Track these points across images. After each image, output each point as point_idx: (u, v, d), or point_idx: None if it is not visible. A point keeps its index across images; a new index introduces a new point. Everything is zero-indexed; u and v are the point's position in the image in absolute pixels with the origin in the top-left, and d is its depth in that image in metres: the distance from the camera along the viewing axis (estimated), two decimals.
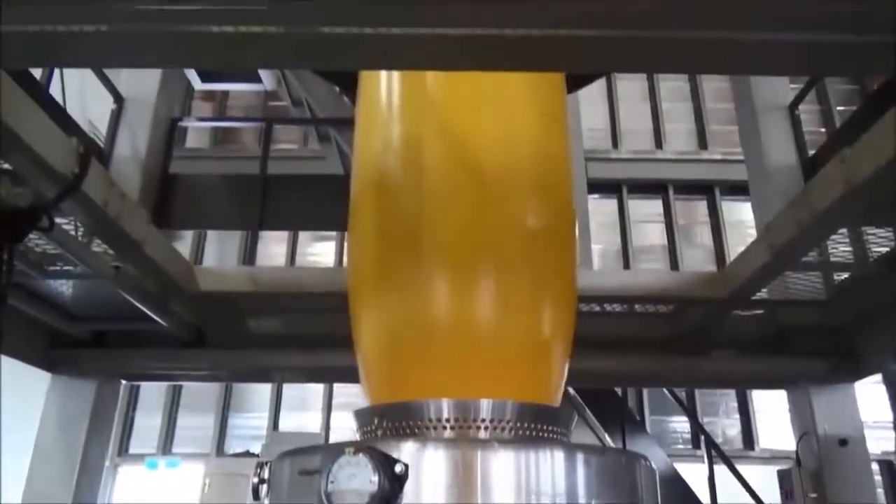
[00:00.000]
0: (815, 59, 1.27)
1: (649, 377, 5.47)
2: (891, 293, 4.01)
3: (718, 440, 7.99)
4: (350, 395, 8.52)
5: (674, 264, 9.10)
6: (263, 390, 9.06)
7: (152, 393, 8.97)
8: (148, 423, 8.88)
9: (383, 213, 1.97)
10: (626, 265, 9.12)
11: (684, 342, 4.80)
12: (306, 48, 1.26)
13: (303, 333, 4.76)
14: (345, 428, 8.56)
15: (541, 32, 1.18)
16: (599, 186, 9.04)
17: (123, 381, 5.22)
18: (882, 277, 3.92)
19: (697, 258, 9.30)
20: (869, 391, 5.32)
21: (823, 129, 5.15)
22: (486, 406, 1.64)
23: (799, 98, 4.83)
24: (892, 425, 6.48)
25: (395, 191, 1.96)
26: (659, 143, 9.76)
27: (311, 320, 4.72)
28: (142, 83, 4.92)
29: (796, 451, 4.90)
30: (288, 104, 6.91)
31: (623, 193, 9.47)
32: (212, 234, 9.69)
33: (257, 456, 7.09)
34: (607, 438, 6.28)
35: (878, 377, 4.93)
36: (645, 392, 8.58)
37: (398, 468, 1.39)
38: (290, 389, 9.12)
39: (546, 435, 1.70)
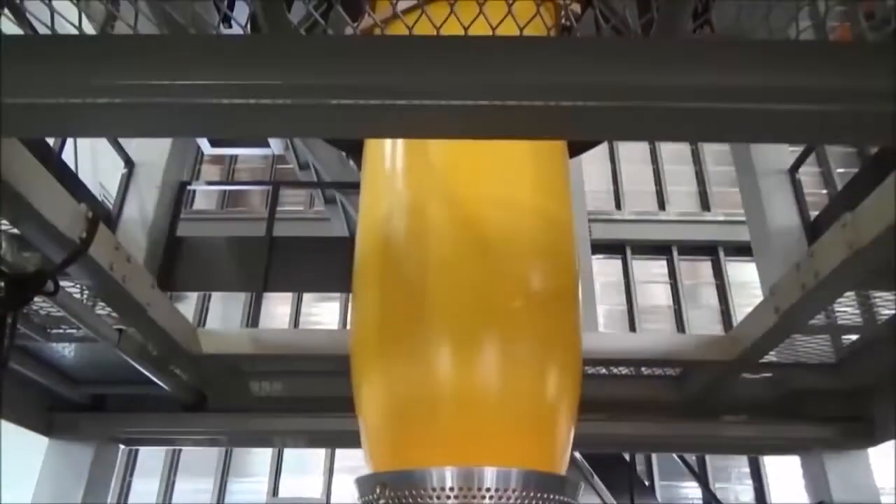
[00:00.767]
0: (815, 129, 1.29)
1: (658, 442, 5.34)
2: None
3: None
4: (353, 459, 8.35)
5: (680, 325, 9.03)
6: (264, 454, 8.91)
7: (151, 457, 8.83)
8: (146, 488, 8.70)
9: (386, 277, 1.98)
10: (632, 326, 9.06)
11: (693, 406, 4.71)
12: (315, 118, 1.29)
13: (305, 396, 4.70)
14: (347, 494, 8.35)
15: (543, 104, 1.21)
16: (603, 247, 9.09)
17: (122, 446, 5.13)
18: (892, 341, 3.87)
19: (704, 318, 9.24)
20: (885, 457, 5.18)
21: (825, 191, 5.17)
22: (490, 475, 1.61)
23: (799, 162, 4.88)
24: None
25: (398, 256, 1.98)
26: (662, 205, 9.86)
27: (313, 383, 4.66)
28: (152, 148, 5.02)
29: None
30: (295, 167, 7.05)
31: (627, 254, 9.51)
32: (216, 294, 9.71)
33: None
34: None
35: (893, 443, 4.81)
36: (654, 456, 8.39)
37: None
38: (291, 453, 8.97)
39: None
